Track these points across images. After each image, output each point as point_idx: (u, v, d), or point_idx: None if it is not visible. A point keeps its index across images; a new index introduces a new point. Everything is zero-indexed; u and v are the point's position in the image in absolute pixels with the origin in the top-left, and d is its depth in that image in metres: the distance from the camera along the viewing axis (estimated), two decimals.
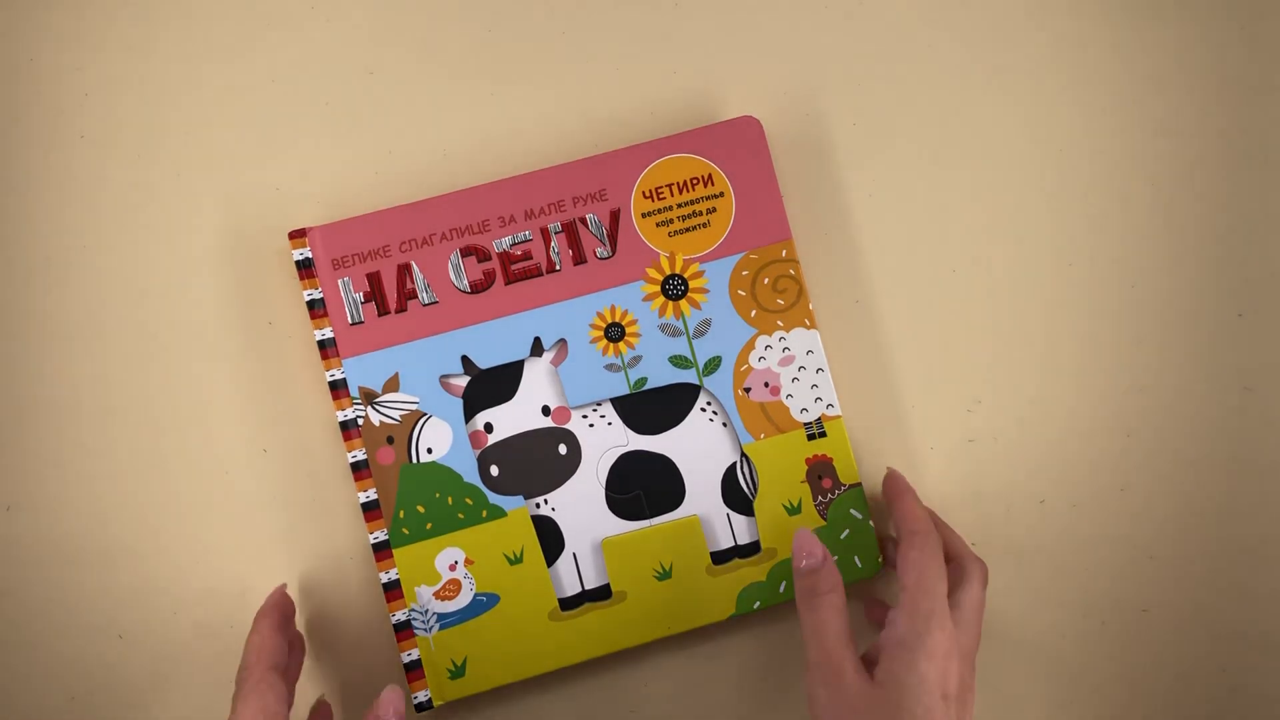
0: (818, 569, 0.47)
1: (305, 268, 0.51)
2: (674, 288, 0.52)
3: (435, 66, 0.54)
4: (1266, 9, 0.54)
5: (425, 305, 0.51)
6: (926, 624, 0.44)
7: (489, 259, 0.51)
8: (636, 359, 0.52)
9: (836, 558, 0.52)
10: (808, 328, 0.52)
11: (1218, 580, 0.54)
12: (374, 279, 0.51)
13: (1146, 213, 0.54)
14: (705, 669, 0.54)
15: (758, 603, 0.52)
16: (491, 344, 0.51)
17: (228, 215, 0.53)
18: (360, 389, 0.51)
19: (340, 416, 0.51)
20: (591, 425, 0.52)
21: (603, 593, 0.51)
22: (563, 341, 0.51)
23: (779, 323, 0.52)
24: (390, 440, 0.51)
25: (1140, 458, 0.54)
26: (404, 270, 0.51)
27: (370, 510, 0.51)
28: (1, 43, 0.53)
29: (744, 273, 0.52)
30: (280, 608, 0.49)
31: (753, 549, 0.52)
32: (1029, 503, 0.54)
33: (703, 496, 0.52)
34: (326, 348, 0.51)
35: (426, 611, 0.51)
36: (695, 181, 0.52)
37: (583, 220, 0.52)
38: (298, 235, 0.51)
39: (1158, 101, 0.54)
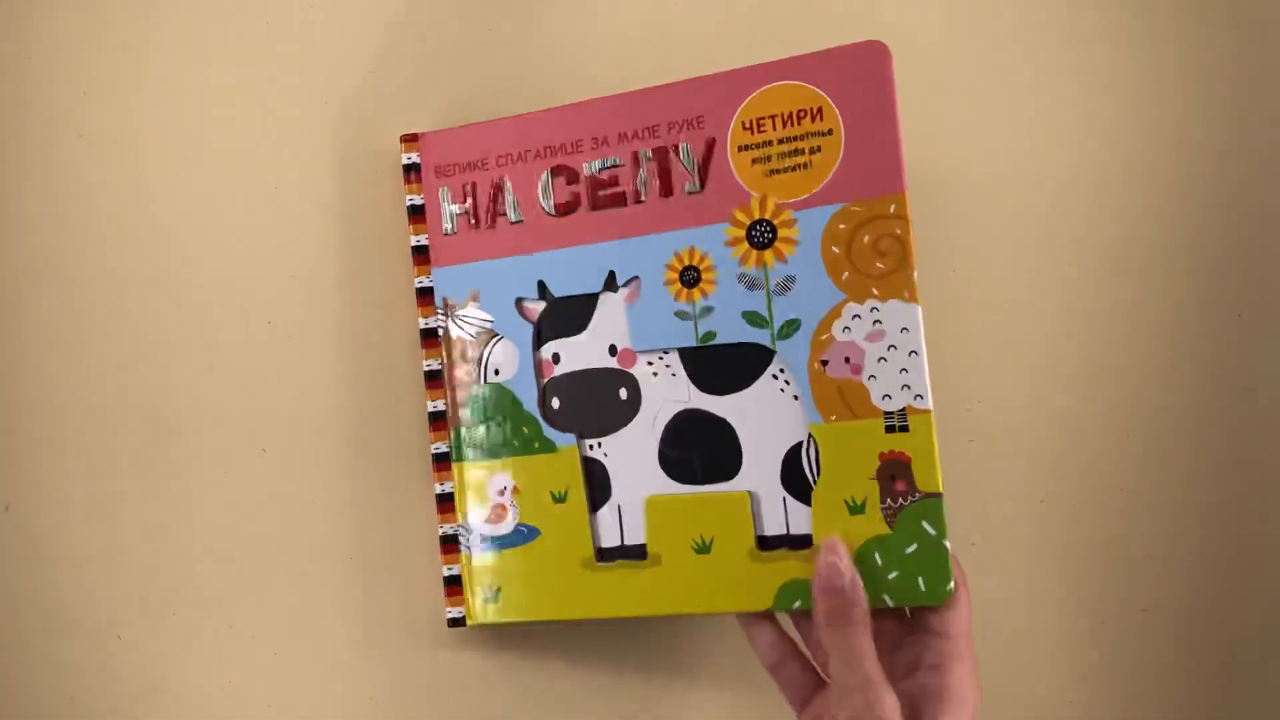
0: (844, 591, 0.42)
1: (413, 172, 0.51)
2: (761, 235, 0.47)
3: None
4: (1267, 9, 0.54)
5: (512, 224, 0.50)
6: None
7: (577, 181, 0.49)
8: (709, 310, 0.47)
9: (895, 574, 0.45)
10: (906, 300, 0.45)
11: (1218, 580, 0.54)
12: (470, 190, 0.51)
13: (1145, 213, 0.54)
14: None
15: (798, 602, 0.46)
16: (569, 272, 0.49)
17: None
18: (444, 300, 0.51)
19: (422, 324, 0.51)
20: (655, 374, 0.48)
21: (638, 552, 0.48)
22: (636, 279, 0.48)
23: (874, 290, 0.45)
24: (464, 355, 0.51)
25: (1140, 458, 0.54)
26: (498, 187, 0.50)
27: (436, 421, 0.51)
28: (1, 42, 0.53)
29: (841, 226, 0.45)
30: None
31: (804, 542, 0.46)
32: (1029, 503, 0.54)
33: (760, 472, 0.47)
34: (419, 254, 0.51)
35: (472, 531, 0.51)
36: (803, 114, 0.46)
37: (675, 148, 0.48)
38: (409, 139, 0.51)
39: (1156, 101, 0.55)
